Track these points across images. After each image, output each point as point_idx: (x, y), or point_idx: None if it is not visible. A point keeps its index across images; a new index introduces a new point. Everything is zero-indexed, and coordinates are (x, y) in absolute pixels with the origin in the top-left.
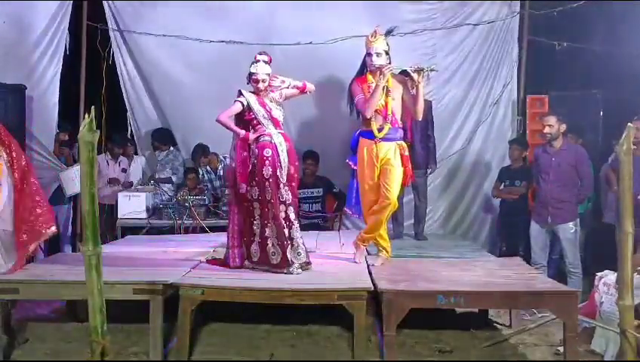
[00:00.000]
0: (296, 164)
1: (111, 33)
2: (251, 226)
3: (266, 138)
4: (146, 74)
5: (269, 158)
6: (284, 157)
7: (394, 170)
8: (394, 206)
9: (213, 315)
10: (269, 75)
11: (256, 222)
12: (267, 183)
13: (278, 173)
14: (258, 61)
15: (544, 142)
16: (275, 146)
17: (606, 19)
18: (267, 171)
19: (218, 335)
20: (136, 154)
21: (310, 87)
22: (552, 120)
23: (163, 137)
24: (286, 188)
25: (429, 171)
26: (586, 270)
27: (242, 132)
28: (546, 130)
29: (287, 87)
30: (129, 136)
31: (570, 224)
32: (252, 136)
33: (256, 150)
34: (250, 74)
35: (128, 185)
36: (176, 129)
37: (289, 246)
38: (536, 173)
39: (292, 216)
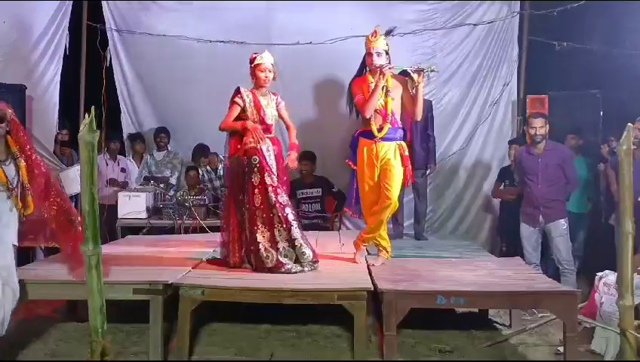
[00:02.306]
0: (282, 167)
1: (109, 33)
2: (241, 236)
3: (252, 145)
4: (144, 74)
5: (257, 165)
6: (272, 162)
7: (394, 170)
8: (395, 206)
9: (213, 315)
10: (273, 65)
11: (245, 232)
12: (257, 190)
13: (266, 178)
14: (264, 50)
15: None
16: (262, 152)
17: (606, 19)
18: (256, 178)
19: (218, 335)
20: (121, 154)
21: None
22: (541, 121)
23: (169, 136)
24: (279, 190)
25: (428, 171)
26: (586, 270)
27: (248, 123)
28: (538, 131)
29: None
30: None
31: (562, 220)
32: (249, 123)
33: (245, 157)
34: (256, 65)
35: (124, 186)
36: (176, 129)
37: (280, 250)
38: (521, 175)
39: (290, 216)
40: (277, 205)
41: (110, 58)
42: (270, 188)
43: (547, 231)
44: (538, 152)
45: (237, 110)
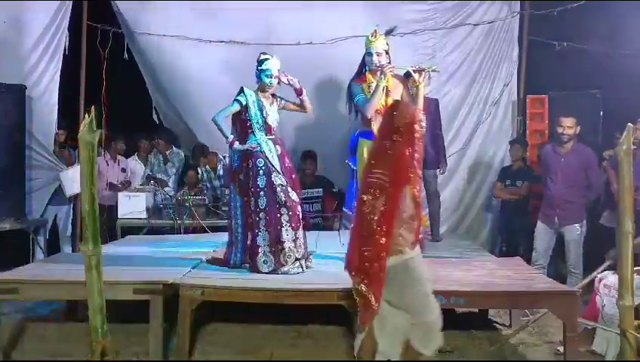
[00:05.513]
0: (289, 165)
1: (124, 31)
2: (244, 238)
3: (256, 148)
4: (144, 74)
5: (262, 168)
6: (275, 162)
7: None
8: None
9: (213, 315)
10: (279, 70)
11: (249, 234)
12: (262, 192)
13: (274, 178)
14: (267, 59)
15: (541, 141)
16: (264, 154)
17: (606, 19)
18: (262, 181)
19: (218, 335)
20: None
21: (307, 104)
22: (571, 121)
23: (170, 136)
24: (289, 188)
25: (440, 171)
26: (585, 270)
27: (230, 137)
28: (566, 131)
29: (289, 102)
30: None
31: (577, 225)
32: (237, 145)
33: (249, 161)
34: (262, 70)
35: (127, 185)
36: (175, 129)
37: (281, 251)
38: (544, 173)
39: (301, 214)
40: (288, 203)
41: (110, 57)
42: (279, 189)
43: (562, 233)
44: (564, 151)
45: (236, 108)
